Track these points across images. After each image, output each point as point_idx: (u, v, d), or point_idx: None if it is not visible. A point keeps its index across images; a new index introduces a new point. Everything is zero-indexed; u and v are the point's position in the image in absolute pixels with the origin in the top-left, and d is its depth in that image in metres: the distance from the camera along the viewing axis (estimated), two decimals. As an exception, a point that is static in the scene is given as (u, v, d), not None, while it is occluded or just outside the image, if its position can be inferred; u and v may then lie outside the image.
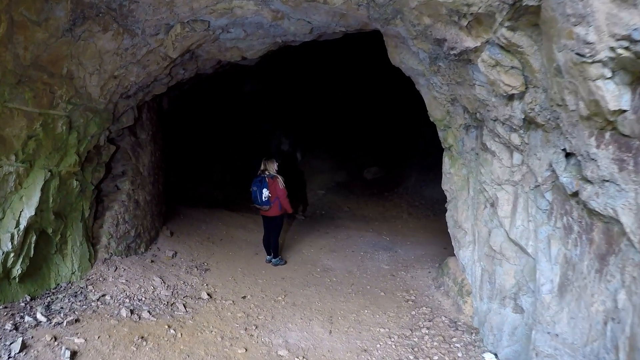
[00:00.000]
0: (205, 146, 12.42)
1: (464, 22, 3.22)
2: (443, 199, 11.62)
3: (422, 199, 11.32)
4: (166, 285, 5.45)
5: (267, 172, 6.74)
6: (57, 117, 4.76)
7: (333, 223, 9.58)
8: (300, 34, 5.59)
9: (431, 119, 5.58)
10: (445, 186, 5.87)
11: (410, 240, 8.47)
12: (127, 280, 5.34)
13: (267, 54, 7.04)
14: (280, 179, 6.72)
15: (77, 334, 4.15)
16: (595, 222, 3.11)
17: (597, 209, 2.94)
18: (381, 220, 9.97)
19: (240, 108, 12.48)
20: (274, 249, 6.89)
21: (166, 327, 4.47)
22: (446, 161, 5.77)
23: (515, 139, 3.91)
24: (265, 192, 6.56)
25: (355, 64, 13.60)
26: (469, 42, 3.35)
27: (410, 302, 5.70)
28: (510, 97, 3.64)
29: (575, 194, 3.23)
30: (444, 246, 8.03)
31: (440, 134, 5.66)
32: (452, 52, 3.64)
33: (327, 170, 13.36)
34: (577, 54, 2.34)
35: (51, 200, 4.94)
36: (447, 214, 6.06)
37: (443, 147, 5.80)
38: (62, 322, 4.28)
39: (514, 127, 3.81)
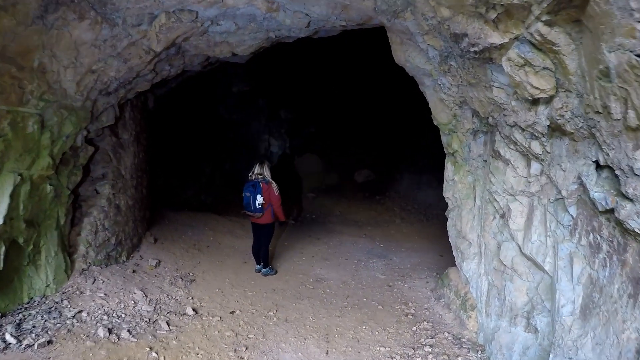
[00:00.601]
0: (193, 147, 11.92)
1: (492, 15, 2.85)
2: (436, 203, 11.37)
3: (414, 203, 11.00)
4: (148, 299, 4.98)
5: (260, 177, 6.28)
6: (28, 116, 4.26)
7: (324, 228, 9.19)
8: (296, 28, 5.18)
9: (435, 123, 5.22)
10: (447, 193, 5.52)
11: (404, 247, 8.12)
12: (105, 294, 4.87)
13: (258, 52, 6.62)
14: (274, 185, 6.29)
15: (49, 358, 3.69)
16: (629, 243, 2.78)
17: (637, 229, 2.61)
18: (374, 225, 9.61)
19: (229, 108, 12.00)
20: (264, 258, 6.46)
21: (147, 349, 4.02)
22: (449, 167, 5.42)
23: (535, 147, 3.56)
24: (259, 199, 6.09)
25: (346, 65, 13.25)
26: (495, 38, 2.98)
27: (410, 317, 5.34)
28: (535, 102, 3.29)
29: (608, 211, 2.89)
30: (440, 253, 7.72)
31: (443, 138, 5.31)
32: (472, 50, 3.28)
33: (317, 173, 12.96)
34: (639, 55, 1.98)
35: (22, 207, 4.45)
36: (448, 223, 5.71)
37: (446, 152, 5.45)
38: (33, 344, 3.82)
39: (536, 134, 3.46)
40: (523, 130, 3.59)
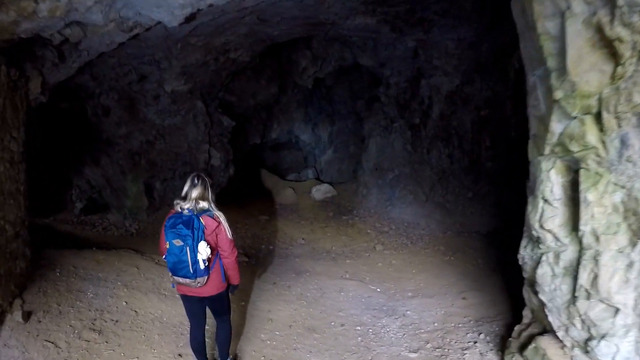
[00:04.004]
0: (114, 160, 8.67)
1: None
2: (415, 221, 8.98)
3: (390, 223, 8.54)
4: None
5: (202, 205, 3.15)
6: None
7: (291, 266, 6.28)
8: None
9: (558, 94, 2.67)
10: (549, 223, 3.00)
11: (409, 289, 5.55)
12: None
13: None
14: (223, 219, 3.20)
15: None
16: None
17: None
18: (352, 257, 6.94)
19: (160, 111, 8.84)
20: (226, 350, 3.44)
21: None
22: (553, 178, 2.93)
23: None
24: (204, 250, 3.01)
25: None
26: None
27: None
28: None
29: None
30: (460, 294, 5.27)
31: (557, 126, 2.78)
32: None
33: (268, 189, 10.14)
34: None
35: None
36: (539, 271, 3.21)
37: (547, 151, 2.94)
38: None
39: None
40: None
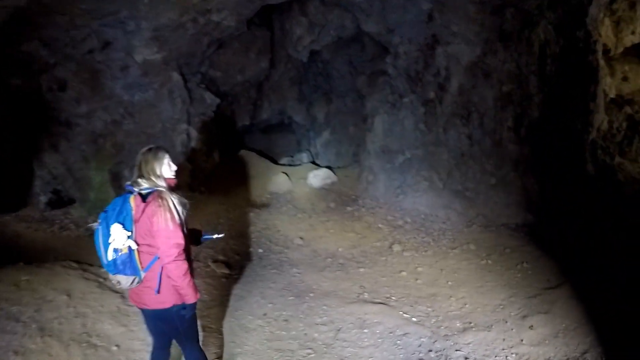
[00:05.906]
0: (79, 144, 6.89)
1: None
2: (433, 213, 7.26)
3: (404, 215, 6.91)
4: None
5: (140, 184, 2.25)
6: None
7: (288, 281, 4.53)
8: None
9: None
10: None
11: (454, 316, 3.91)
12: None
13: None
14: (168, 203, 2.18)
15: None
16: None
17: None
18: (365, 263, 5.28)
19: (129, 85, 6.98)
20: None
21: None
22: None
23: None
24: (119, 235, 2.07)
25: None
26: None
27: None
28: None
29: None
30: (524, 321, 3.68)
31: None
32: None
33: (258, 176, 8.39)
34: None
35: None
36: None
37: None
38: None
39: None
40: None
